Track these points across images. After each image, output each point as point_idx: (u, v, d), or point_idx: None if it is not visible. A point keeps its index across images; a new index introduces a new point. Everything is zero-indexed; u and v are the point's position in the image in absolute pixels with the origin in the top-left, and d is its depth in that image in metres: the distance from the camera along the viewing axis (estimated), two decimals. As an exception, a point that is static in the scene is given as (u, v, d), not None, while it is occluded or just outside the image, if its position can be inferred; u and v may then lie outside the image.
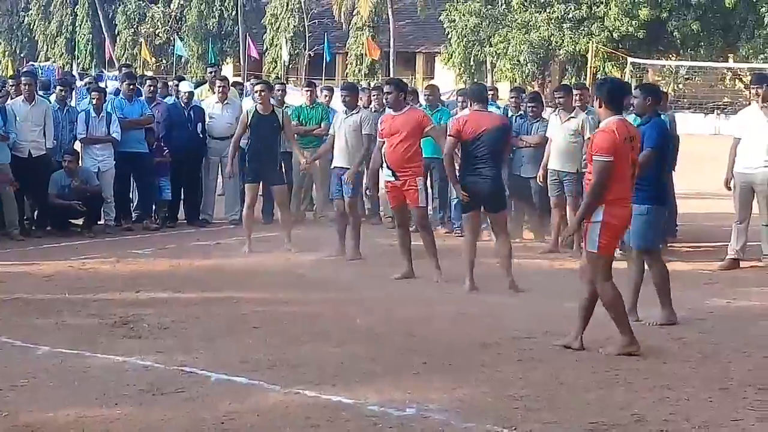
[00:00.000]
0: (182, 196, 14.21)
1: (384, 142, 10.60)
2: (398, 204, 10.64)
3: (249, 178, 12.24)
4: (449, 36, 50.61)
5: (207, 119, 14.13)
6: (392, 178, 10.50)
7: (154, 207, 13.98)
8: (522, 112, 13.30)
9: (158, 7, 62.60)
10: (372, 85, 22.53)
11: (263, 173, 12.14)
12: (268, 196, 13.31)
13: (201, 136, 14.07)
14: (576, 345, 7.56)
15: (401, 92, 10.63)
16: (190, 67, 59.97)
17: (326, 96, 15.03)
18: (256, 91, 12.23)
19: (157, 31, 62.22)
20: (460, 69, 50.22)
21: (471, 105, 10.10)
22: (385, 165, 10.56)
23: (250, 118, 12.01)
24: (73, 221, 13.14)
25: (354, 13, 57.27)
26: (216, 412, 5.97)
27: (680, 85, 44.86)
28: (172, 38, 59.86)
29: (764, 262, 11.29)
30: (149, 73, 35.73)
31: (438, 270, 10.37)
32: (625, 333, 7.49)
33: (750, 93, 11.40)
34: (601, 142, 7.38)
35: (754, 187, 11.19)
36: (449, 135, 9.89)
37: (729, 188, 11.52)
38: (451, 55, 50.62)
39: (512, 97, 13.89)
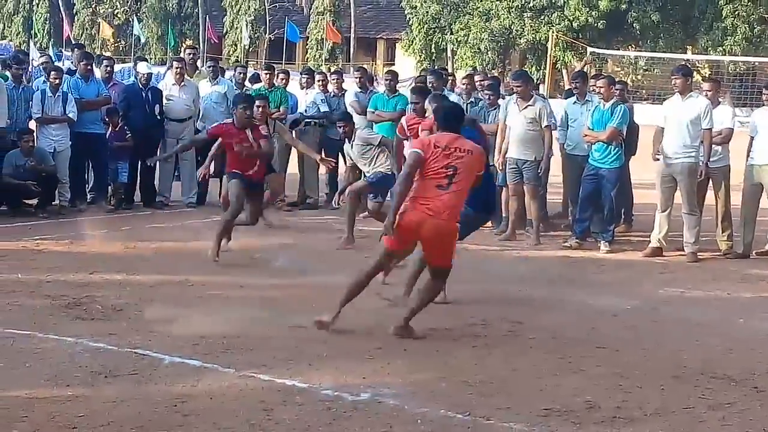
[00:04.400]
0: (138, 178, 14.09)
1: (407, 139, 10.62)
2: None
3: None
4: (410, 22, 50.66)
5: (164, 101, 14.03)
6: None
7: (109, 188, 13.85)
8: (473, 99, 13.27)
9: (118, -13, 62.10)
10: (332, 69, 22.53)
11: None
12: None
13: (158, 117, 13.96)
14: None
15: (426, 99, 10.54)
16: (150, 48, 59.54)
17: (282, 79, 14.95)
18: (258, 106, 11.36)
19: (116, 12, 61.71)
20: (420, 56, 50.27)
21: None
22: None
23: None
24: (26, 201, 12.99)
25: (315, -2, 57.10)
26: (169, 395, 5.92)
27: (639, 76, 45.17)
28: (131, 19, 59.37)
29: (687, 251, 11.42)
30: (107, 54, 35.43)
31: None
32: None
33: (672, 84, 11.61)
34: None
35: (675, 176, 11.33)
36: None
37: (656, 159, 11.67)
38: (412, 41, 50.66)
39: (465, 84, 13.84)
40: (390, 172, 11.13)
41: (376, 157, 11.34)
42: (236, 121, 10.50)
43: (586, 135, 11.86)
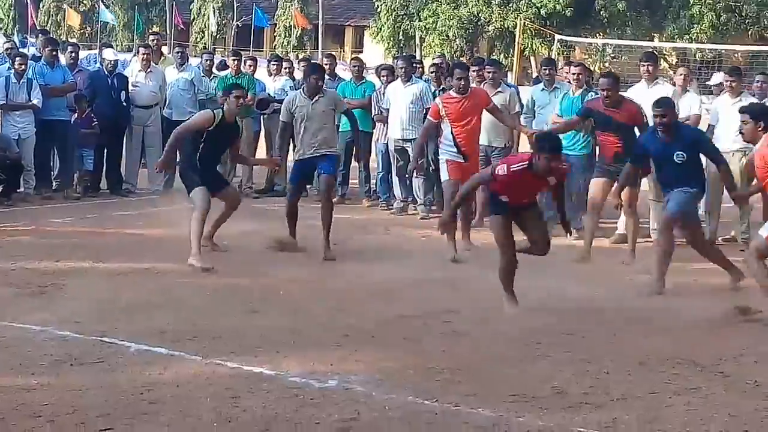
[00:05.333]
0: (105, 165, 13.98)
1: (437, 124, 10.56)
2: (460, 177, 10.30)
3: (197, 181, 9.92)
4: (378, 10, 50.51)
5: (130, 87, 13.93)
6: (461, 160, 10.45)
7: (75, 176, 13.74)
8: (444, 86, 13.21)
9: (83, -27, 61.48)
10: (300, 56, 22.48)
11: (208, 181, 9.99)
12: None
13: (124, 104, 13.86)
14: None
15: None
16: (116, 35, 59.09)
17: (250, 66, 14.89)
18: (236, 97, 9.97)
19: (81, -2, 61.14)
20: (388, 43, 50.15)
21: None
22: (454, 149, 10.43)
23: (215, 123, 9.78)
24: (-9, 189, 12.88)
25: (283, -16, 56.86)
26: (135, 383, 5.89)
27: (607, 64, 45.23)
28: (97, 5, 58.85)
29: (653, 238, 11.45)
30: (73, 40, 35.10)
31: None
32: None
33: (641, 69, 11.66)
34: None
35: None
36: None
37: None
38: (380, 29, 50.53)
39: (432, 71, 13.78)
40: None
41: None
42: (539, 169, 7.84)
43: (555, 122, 11.86)
